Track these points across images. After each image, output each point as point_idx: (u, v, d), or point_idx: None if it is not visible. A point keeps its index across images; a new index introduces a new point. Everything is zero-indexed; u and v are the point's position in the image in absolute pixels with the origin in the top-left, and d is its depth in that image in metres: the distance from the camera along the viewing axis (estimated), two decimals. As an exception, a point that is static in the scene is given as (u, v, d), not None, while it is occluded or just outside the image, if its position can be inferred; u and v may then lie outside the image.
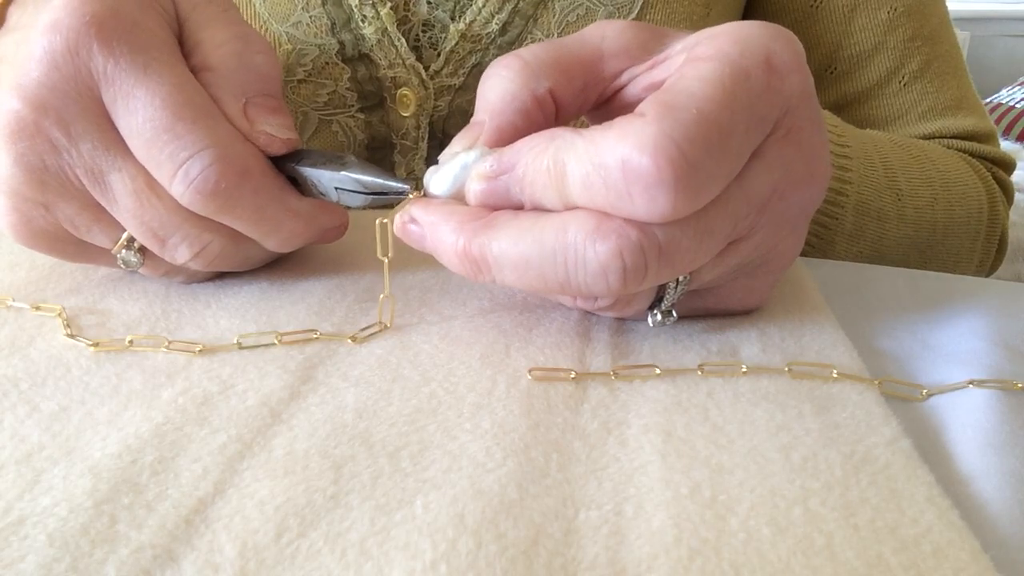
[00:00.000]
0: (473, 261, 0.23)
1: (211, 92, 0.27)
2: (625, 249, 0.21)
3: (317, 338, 0.27)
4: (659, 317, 0.26)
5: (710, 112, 0.21)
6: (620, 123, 0.21)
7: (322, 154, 0.29)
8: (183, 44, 0.28)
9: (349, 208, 0.29)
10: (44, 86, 0.25)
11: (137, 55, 0.26)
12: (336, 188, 0.28)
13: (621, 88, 0.26)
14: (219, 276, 0.31)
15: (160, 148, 0.26)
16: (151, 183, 0.26)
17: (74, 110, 0.26)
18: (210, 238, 0.28)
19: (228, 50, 0.28)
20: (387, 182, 0.27)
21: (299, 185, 0.29)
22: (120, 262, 0.29)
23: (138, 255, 0.29)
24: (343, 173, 0.28)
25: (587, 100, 0.26)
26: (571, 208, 0.23)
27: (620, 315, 0.27)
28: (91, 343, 0.26)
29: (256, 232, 0.28)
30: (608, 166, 0.21)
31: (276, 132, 0.28)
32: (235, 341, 0.26)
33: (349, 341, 0.27)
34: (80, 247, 0.29)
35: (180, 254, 0.28)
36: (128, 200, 0.27)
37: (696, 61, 0.23)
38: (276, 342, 0.26)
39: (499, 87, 0.25)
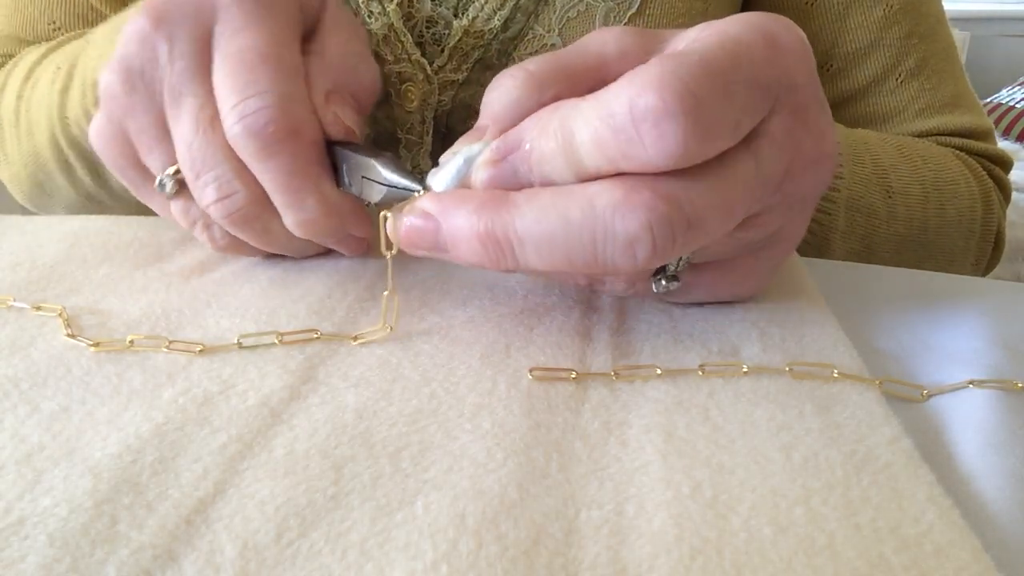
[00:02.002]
0: (496, 243, 0.23)
1: (310, 70, 0.29)
2: (655, 222, 0.21)
3: (318, 338, 0.27)
4: (664, 283, 0.26)
5: (713, 61, 0.21)
6: (625, 75, 0.21)
7: (365, 147, 0.30)
8: (310, 31, 0.31)
9: (369, 203, 0.30)
10: (171, 4, 0.29)
11: (261, 8, 0.29)
12: (363, 177, 0.29)
13: None
14: (220, 274, 0.31)
15: (235, 78, 0.27)
16: (214, 119, 0.28)
17: (185, 30, 0.28)
18: (239, 188, 0.29)
19: (345, 50, 0.31)
20: (404, 180, 0.27)
21: (338, 179, 0.30)
22: (157, 184, 0.30)
23: (175, 184, 0.30)
24: (371, 160, 0.28)
25: None
26: (583, 177, 0.22)
27: (628, 288, 0.27)
28: (92, 343, 0.26)
29: (282, 198, 0.29)
30: (615, 113, 0.21)
31: (346, 119, 0.29)
32: (236, 341, 0.26)
33: (350, 341, 0.27)
34: (139, 173, 0.31)
35: (207, 194, 0.29)
36: (188, 124, 0.28)
37: (698, 40, 0.23)
38: (277, 342, 0.26)
39: (504, 96, 0.25)
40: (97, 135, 0.30)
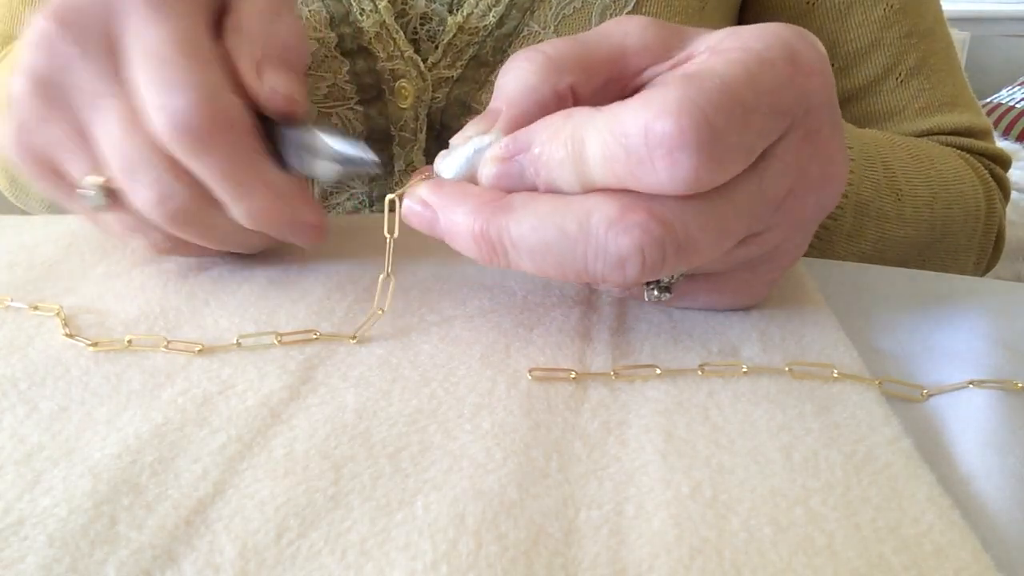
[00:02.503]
0: (490, 244, 0.23)
1: (232, 51, 0.28)
2: (647, 244, 0.21)
3: (317, 338, 0.27)
4: (656, 293, 0.26)
5: (734, 86, 0.21)
6: (642, 94, 0.21)
7: (304, 123, 0.29)
8: (226, 10, 0.30)
9: (321, 182, 0.29)
10: (74, 6, 0.27)
11: None
12: (308, 155, 0.28)
13: (642, 86, 0.26)
14: (218, 273, 0.31)
15: (154, 75, 0.26)
16: (140, 118, 0.27)
17: (93, 32, 0.27)
18: (177, 188, 0.27)
19: (257, 18, 0.30)
20: (356, 151, 0.27)
21: (284, 164, 0.29)
22: (82, 195, 0.28)
23: (103, 194, 0.28)
24: (313, 131, 0.27)
25: (607, 97, 0.26)
26: (588, 188, 0.22)
27: (624, 291, 0.28)
28: (90, 343, 0.26)
29: (224, 191, 0.28)
30: (629, 134, 0.21)
31: (282, 89, 0.28)
32: (235, 341, 0.26)
33: (350, 341, 0.26)
34: (59, 180, 0.29)
35: (143, 197, 0.27)
36: (114, 126, 0.27)
37: (720, 52, 0.23)
38: (276, 342, 0.26)
39: (519, 79, 0.25)
40: (12, 144, 0.29)
